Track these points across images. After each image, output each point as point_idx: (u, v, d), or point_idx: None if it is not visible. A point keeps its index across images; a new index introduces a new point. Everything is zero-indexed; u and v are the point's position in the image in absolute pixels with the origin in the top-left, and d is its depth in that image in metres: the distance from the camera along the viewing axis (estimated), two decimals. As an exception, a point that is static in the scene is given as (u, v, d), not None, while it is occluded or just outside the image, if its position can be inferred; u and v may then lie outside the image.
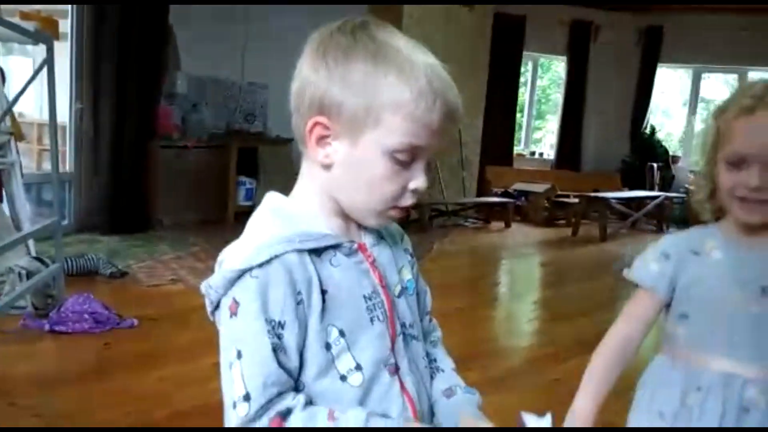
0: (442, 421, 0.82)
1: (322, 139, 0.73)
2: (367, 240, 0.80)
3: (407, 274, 0.84)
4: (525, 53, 8.36)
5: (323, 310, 0.72)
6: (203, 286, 0.74)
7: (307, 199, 0.77)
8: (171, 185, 5.42)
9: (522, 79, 8.77)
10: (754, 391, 1.00)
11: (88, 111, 4.99)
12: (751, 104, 0.98)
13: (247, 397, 0.67)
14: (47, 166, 4.98)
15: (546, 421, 0.77)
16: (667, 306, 1.10)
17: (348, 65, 0.71)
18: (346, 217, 0.78)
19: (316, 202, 0.77)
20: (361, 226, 0.79)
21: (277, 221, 0.75)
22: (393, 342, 0.77)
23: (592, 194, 7.09)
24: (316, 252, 0.73)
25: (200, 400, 2.23)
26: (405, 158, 0.72)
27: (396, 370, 0.76)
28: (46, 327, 2.96)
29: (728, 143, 1.00)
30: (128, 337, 3.00)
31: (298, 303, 0.70)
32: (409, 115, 0.70)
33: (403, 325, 0.79)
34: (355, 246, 0.77)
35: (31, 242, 3.52)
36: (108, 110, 4.97)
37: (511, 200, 7.41)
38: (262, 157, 6.20)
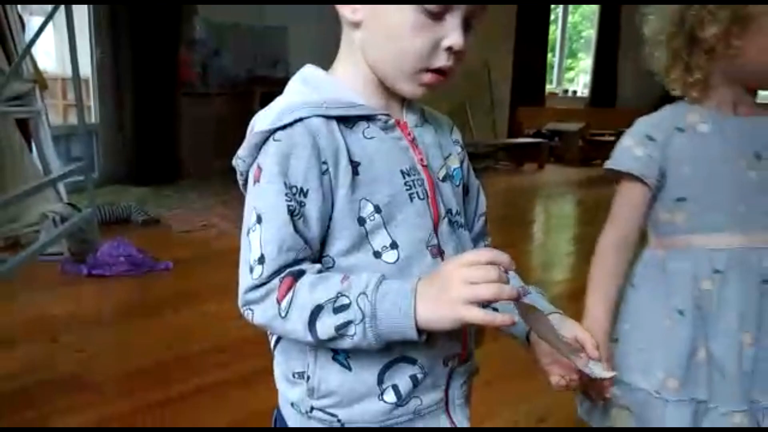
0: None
1: None
2: (410, 119, 0.74)
3: (455, 163, 0.78)
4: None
5: (354, 182, 0.67)
6: (234, 160, 0.70)
7: (343, 70, 0.73)
8: (196, 133, 5.39)
9: (552, 17, 8.39)
10: None
11: (109, 61, 4.96)
12: None
13: (261, 260, 0.64)
14: (73, 120, 4.99)
15: (607, 374, 0.73)
16: (654, 196, 1.03)
17: None
18: (387, 93, 0.72)
19: (353, 72, 0.72)
20: (404, 105, 0.74)
21: (306, 88, 0.71)
22: (436, 224, 0.71)
23: (629, 131, 6.83)
24: (347, 122, 0.68)
25: (240, 334, 2.24)
26: (435, 8, 0.65)
27: (440, 252, 0.71)
28: (84, 271, 3.01)
29: None
30: (164, 279, 3.04)
31: (323, 172, 0.66)
32: None
33: (449, 211, 0.74)
34: (392, 121, 0.71)
35: (63, 191, 3.55)
36: (129, 59, 4.93)
37: (544, 140, 7.20)
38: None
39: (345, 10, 0.69)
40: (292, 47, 6.09)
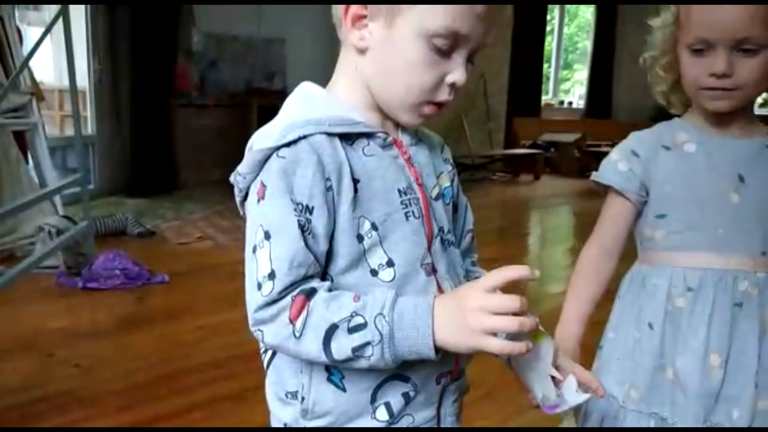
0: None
1: (358, 20, 0.68)
2: (405, 138, 0.75)
3: (446, 181, 0.79)
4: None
5: (355, 199, 0.67)
6: (232, 176, 0.70)
7: (341, 90, 0.73)
8: (194, 145, 5.40)
9: (548, 28, 8.46)
10: (747, 284, 0.96)
11: (106, 72, 4.97)
12: None
13: (272, 276, 0.63)
14: (70, 131, 4.99)
15: (581, 399, 0.72)
16: (640, 211, 1.04)
17: None
18: (382, 112, 0.73)
19: (351, 93, 0.72)
20: (399, 124, 0.75)
21: (307, 106, 0.71)
22: (430, 242, 0.72)
23: (625, 142, 6.87)
24: (348, 139, 0.69)
25: (236, 349, 2.24)
26: (444, 46, 0.66)
27: (433, 271, 0.71)
28: (80, 284, 3.00)
29: (689, 29, 0.93)
30: (160, 292, 3.02)
31: (328, 189, 0.66)
32: None
33: (441, 230, 0.75)
34: (390, 139, 0.72)
35: (58, 203, 3.53)
36: (126, 70, 4.95)
37: (540, 151, 7.22)
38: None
39: (352, 37, 0.69)
40: (290, 60, 6.12)
